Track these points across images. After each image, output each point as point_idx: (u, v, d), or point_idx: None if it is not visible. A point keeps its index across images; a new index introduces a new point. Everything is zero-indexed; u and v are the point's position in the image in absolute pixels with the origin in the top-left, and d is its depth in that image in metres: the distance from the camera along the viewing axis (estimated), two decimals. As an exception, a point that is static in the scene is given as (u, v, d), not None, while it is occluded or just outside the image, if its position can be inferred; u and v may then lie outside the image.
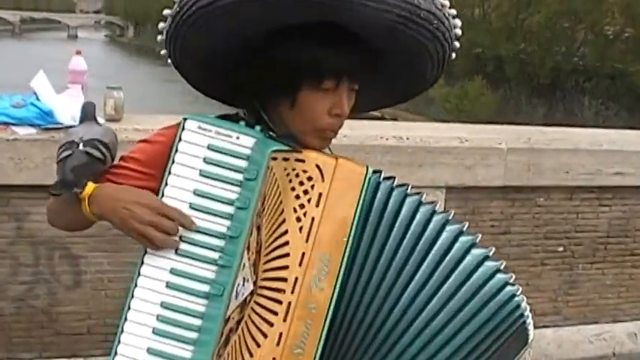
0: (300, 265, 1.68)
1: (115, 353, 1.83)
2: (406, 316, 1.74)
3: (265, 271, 1.70)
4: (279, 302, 1.67)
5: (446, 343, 1.74)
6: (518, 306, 1.78)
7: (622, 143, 5.56)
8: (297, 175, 1.71)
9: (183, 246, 1.80)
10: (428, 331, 1.74)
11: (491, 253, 1.80)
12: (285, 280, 1.67)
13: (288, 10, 1.75)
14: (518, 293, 1.78)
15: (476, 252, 1.78)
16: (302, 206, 1.69)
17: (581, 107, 41.59)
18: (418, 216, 1.78)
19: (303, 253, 1.68)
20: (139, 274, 1.82)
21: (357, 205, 1.72)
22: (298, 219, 1.69)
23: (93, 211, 1.84)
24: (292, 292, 1.67)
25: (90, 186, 1.84)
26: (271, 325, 1.67)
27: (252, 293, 1.71)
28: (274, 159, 1.76)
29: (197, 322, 1.79)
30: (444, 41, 1.87)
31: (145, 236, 1.78)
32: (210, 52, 1.89)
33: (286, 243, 1.69)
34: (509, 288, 1.78)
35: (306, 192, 1.70)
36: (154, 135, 1.96)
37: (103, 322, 4.54)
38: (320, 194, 1.70)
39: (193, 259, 1.80)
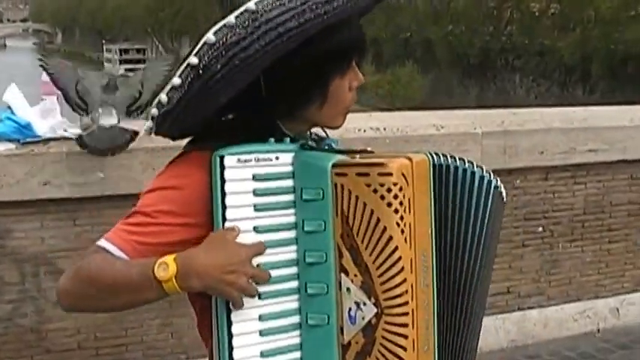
0: (411, 272, 1.71)
1: None
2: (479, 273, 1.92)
3: (386, 290, 1.70)
4: (407, 314, 1.71)
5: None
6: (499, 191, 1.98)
7: (593, 120, 5.62)
8: (389, 190, 1.68)
9: (263, 288, 1.73)
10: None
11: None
12: (406, 292, 1.70)
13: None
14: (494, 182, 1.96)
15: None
16: (402, 218, 1.69)
17: (513, 85, 42.11)
18: (473, 186, 1.89)
19: (411, 260, 1.72)
20: (230, 335, 1.72)
21: (430, 194, 1.79)
22: (402, 232, 1.69)
23: (186, 287, 1.69)
24: (412, 300, 1.71)
25: (170, 263, 1.67)
26: (406, 337, 1.71)
27: (377, 315, 1.71)
28: (342, 174, 1.71)
29: (296, 354, 1.77)
30: None
31: (246, 292, 1.70)
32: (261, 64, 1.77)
33: (399, 258, 1.69)
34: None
35: (401, 203, 1.69)
36: (172, 178, 1.82)
37: (94, 337, 4.45)
38: (410, 199, 1.71)
39: (275, 296, 1.75)
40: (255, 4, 1.64)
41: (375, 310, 1.70)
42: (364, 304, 1.70)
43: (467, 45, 44.68)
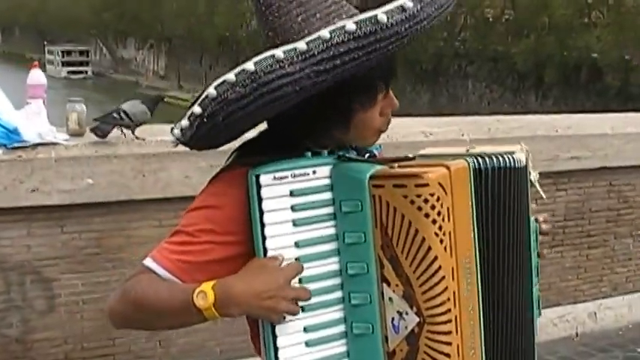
0: (453, 279, 1.73)
1: None
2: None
3: (428, 300, 1.71)
4: (450, 322, 1.72)
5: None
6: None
7: (577, 128, 5.70)
8: (425, 201, 1.68)
9: (306, 302, 1.74)
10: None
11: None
12: (448, 300, 1.72)
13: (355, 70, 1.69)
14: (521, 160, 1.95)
15: None
16: (440, 228, 1.70)
17: (466, 91, 42.32)
18: (509, 188, 1.89)
19: (453, 268, 1.73)
20: (276, 348, 1.74)
21: (471, 200, 1.80)
22: (441, 241, 1.70)
23: (226, 314, 1.70)
24: (455, 307, 1.73)
25: (209, 292, 1.69)
26: (450, 344, 1.73)
27: (420, 324, 1.72)
28: (379, 186, 1.72)
29: None
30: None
31: (290, 313, 1.72)
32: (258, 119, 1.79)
33: (439, 268, 1.70)
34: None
35: (439, 213, 1.69)
36: (212, 197, 1.82)
37: (81, 347, 4.37)
38: (448, 208, 1.71)
39: (319, 308, 1.77)
40: (254, 64, 1.63)
41: (418, 319, 1.72)
42: (406, 313, 1.73)
43: (420, 50, 44.82)
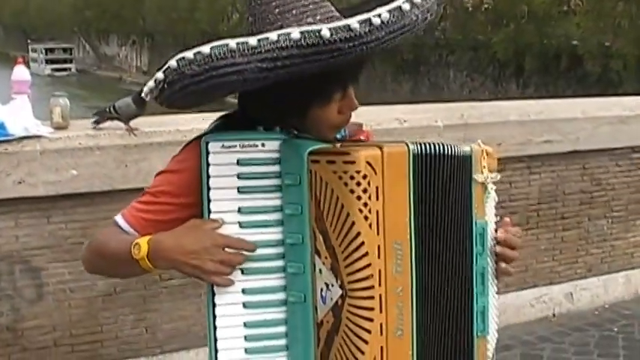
0: (379, 257, 1.76)
1: None
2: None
3: (350, 273, 1.76)
4: (372, 298, 1.76)
5: None
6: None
7: (548, 112, 5.79)
8: (351, 177, 1.74)
9: (247, 264, 1.84)
10: None
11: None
12: (371, 276, 1.76)
13: (296, 74, 1.75)
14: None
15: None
16: (365, 204, 1.74)
17: (447, 80, 42.36)
18: (455, 172, 1.90)
19: (379, 246, 1.76)
20: (213, 305, 1.85)
21: (409, 183, 1.81)
22: (366, 217, 1.75)
23: (158, 266, 1.85)
24: (380, 285, 1.76)
25: (142, 244, 1.83)
26: (371, 320, 1.76)
27: (342, 296, 1.78)
28: (315, 162, 1.80)
29: (282, 329, 1.87)
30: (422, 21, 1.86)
31: (219, 274, 1.82)
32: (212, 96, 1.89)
33: (362, 243, 1.75)
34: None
35: (365, 190, 1.74)
36: (175, 163, 1.97)
37: (69, 334, 4.48)
38: (377, 187, 1.75)
39: (260, 273, 1.85)
40: (210, 48, 1.73)
41: (341, 292, 1.77)
42: (332, 285, 1.78)
43: (401, 41, 44.90)
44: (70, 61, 75.95)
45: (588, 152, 5.99)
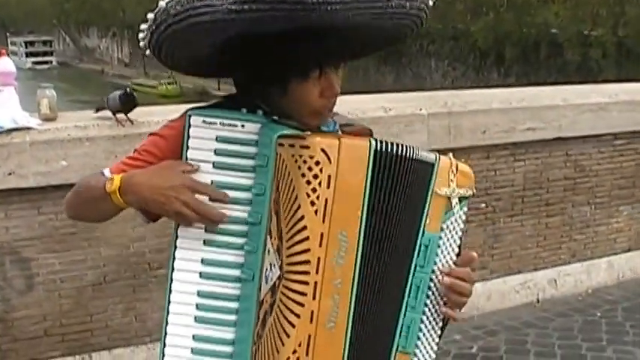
0: (320, 245, 1.76)
1: (164, 345, 1.91)
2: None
3: (289, 255, 1.78)
4: (306, 283, 1.76)
5: None
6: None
7: (530, 100, 5.84)
8: (304, 162, 1.76)
9: (210, 236, 1.89)
10: None
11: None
12: (308, 262, 1.76)
13: (263, 23, 1.80)
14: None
15: None
16: (314, 190, 1.76)
17: (429, 70, 42.54)
18: (414, 177, 1.89)
19: (322, 234, 1.76)
20: (172, 269, 1.90)
21: (366, 179, 1.81)
22: (312, 203, 1.76)
23: (127, 201, 1.92)
24: (317, 272, 1.77)
25: (116, 178, 1.91)
26: (302, 305, 1.77)
27: (279, 277, 1.79)
28: (281, 145, 1.82)
29: (234, 305, 1.90)
30: (420, 12, 1.95)
31: (183, 216, 1.87)
32: (194, 60, 1.98)
33: (304, 227, 1.76)
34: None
35: (316, 176, 1.76)
36: (165, 128, 2.04)
37: (59, 323, 4.52)
38: (329, 176, 1.77)
39: (220, 246, 1.89)
40: None
41: (279, 273, 1.79)
42: (274, 266, 1.81)
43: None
44: (51, 54, 75.64)
45: (571, 139, 6.04)
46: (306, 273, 1.76)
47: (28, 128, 4.25)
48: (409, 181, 1.88)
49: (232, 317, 1.90)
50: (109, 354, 4.65)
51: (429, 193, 1.91)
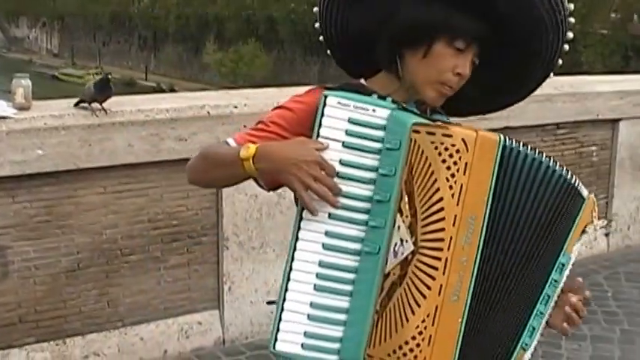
0: (453, 225, 1.95)
1: (282, 309, 2.04)
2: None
3: (424, 233, 1.96)
4: (439, 259, 1.95)
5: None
6: (571, 186, 2.13)
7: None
8: (446, 149, 1.94)
9: (334, 210, 2.02)
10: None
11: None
12: (442, 240, 1.95)
13: None
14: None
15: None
16: (453, 175, 1.95)
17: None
18: (538, 174, 2.06)
19: (456, 216, 1.95)
20: (297, 239, 2.04)
21: (493, 169, 2.00)
22: (450, 187, 1.95)
23: (259, 168, 2.03)
24: (448, 249, 1.95)
25: (252, 147, 2.03)
26: (433, 278, 1.95)
27: (413, 252, 1.97)
28: (416, 132, 1.99)
29: (351, 276, 2.05)
30: (559, 24, 2.19)
31: (311, 188, 1.99)
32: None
33: (442, 209, 1.95)
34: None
35: (455, 163, 1.94)
36: (291, 102, 2.20)
37: (34, 310, 4.60)
38: (466, 164, 1.95)
39: (344, 221, 2.04)
40: None
41: (412, 247, 1.96)
42: (406, 241, 1.97)
43: (309, 22, 45.09)
44: (-21, 43, 74.33)
45: (519, 128, 6.26)
46: (440, 250, 1.94)
47: (4, 117, 4.32)
48: (531, 176, 2.06)
49: (349, 287, 2.04)
50: (83, 339, 4.75)
51: (576, 221, 2.14)
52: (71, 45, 60.12)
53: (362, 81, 2.27)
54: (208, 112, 4.86)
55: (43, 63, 59.30)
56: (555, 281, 2.15)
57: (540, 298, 2.14)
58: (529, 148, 2.07)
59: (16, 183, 4.42)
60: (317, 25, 2.30)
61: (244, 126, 4.84)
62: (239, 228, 5.12)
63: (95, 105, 4.51)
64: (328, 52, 2.39)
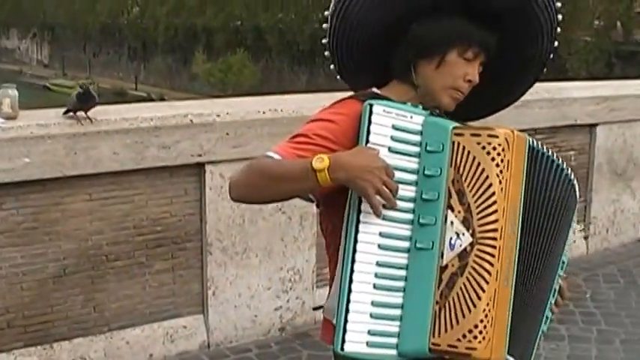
0: (503, 216, 2.16)
1: (347, 311, 2.15)
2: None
3: (481, 225, 2.15)
4: (495, 247, 2.15)
5: None
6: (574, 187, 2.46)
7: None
8: (494, 148, 2.15)
9: (386, 212, 2.15)
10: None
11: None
12: (497, 230, 2.16)
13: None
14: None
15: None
16: (501, 172, 2.16)
17: (343, 71, 42.75)
18: (552, 171, 2.35)
19: (504, 208, 2.16)
20: (355, 241, 2.16)
21: (524, 165, 2.24)
22: (500, 182, 2.16)
23: (335, 178, 2.10)
24: (501, 238, 2.16)
25: (326, 159, 2.10)
26: (492, 265, 2.14)
27: (472, 244, 2.15)
28: (459, 134, 2.18)
29: (403, 272, 2.21)
30: (552, 29, 2.42)
31: (380, 192, 2.10)
32: (369, 35, 2.38)
33: (495, 202, 2.15)
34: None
35: (502, 160, 2.16)
36: (330, 114, 2.29)
37: (22, 315, 4.69)
38: (509, 160, 2.17)
39: (394, 221, 2.19)
40: None
41: (471, 239, 2.15)
42: (463, 234, 2.16)
43: (297, 32, 45.22)
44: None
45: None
46: (495, 239, 2.15)
47: (-9, 126, 4.42)
48: (552, 176, 2.35)
49: (400, 284, 2.19)
50: (70, 343, 4.84)
51: (575, 213, 2.52)
52: (62, 56, 60.15)
53: (375, 90, 2.39)
54: (191, 120, 4.96)
55: (33, 74, 59.40)
56: (564, 262, 2.46)
57: (551, 294, 2.44)
58: (545, 147, 2.30)
59: (4, 190, 4.51)
60: (325, 40, 2.44)
61: (227, 134, 4.99)
62: (222, 234, 5.22)
63: (81, 114, 4.62)
64: (332, 66, 2.50)
